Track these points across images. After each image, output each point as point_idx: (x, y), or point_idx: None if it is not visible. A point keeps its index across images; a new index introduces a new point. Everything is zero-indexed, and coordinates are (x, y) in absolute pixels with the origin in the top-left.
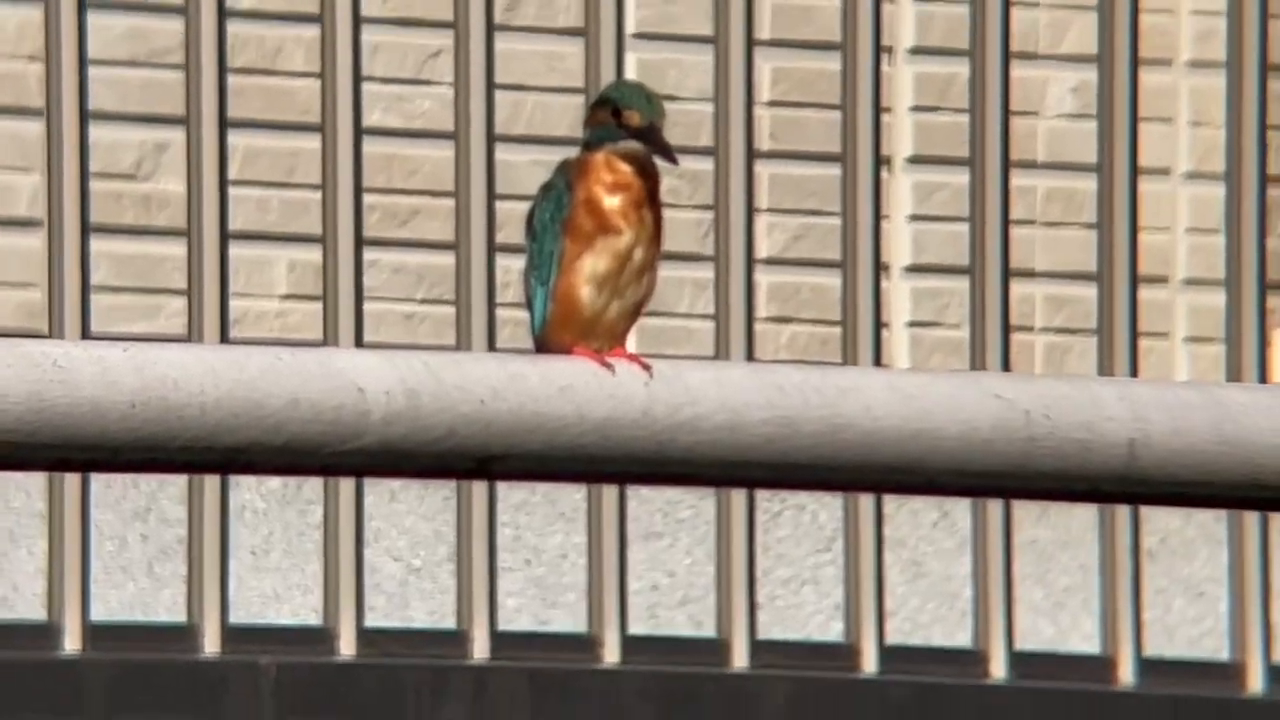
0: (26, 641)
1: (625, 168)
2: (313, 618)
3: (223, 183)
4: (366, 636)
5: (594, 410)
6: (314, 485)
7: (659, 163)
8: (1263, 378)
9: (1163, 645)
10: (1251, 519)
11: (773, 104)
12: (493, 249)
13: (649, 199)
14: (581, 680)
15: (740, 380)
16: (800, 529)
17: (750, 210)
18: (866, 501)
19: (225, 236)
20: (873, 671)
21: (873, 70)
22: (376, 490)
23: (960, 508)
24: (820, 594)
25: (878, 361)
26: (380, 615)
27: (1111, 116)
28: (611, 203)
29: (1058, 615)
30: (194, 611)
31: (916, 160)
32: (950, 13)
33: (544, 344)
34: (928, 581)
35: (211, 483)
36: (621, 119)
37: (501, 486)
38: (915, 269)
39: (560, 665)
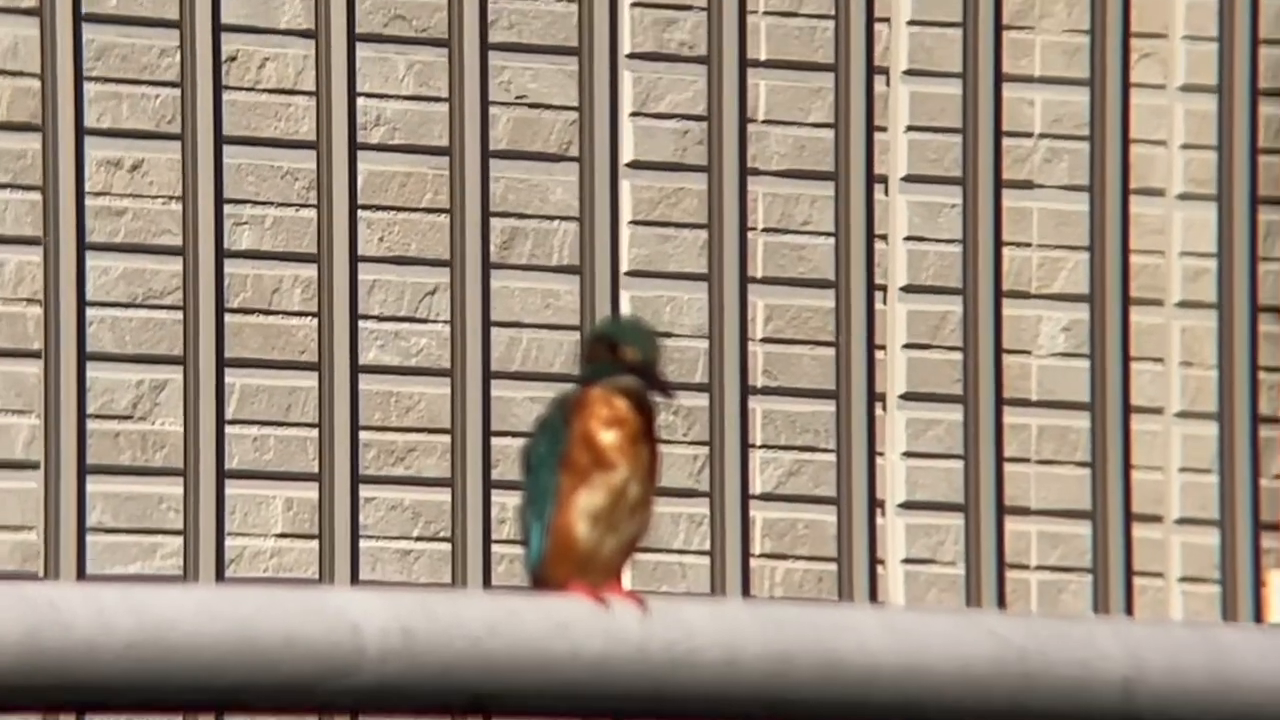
0: None
1: (622, 403)
2: None
3: (219, 421)
4: None
5: (590, 647)
6: None
7: (657, 397)
8: (1258, 618)
9: None
10: None
11: (766, 340)
12: (489, 486)
13: (645, 435)
14: None
15: (737, 616)
16: None
17: (745, 446)
18: None
19: (221, 476)
20: None
21: (865, 309)
22: None
23: None
24: None
25: (874, 598)
26: None
27: (1104, 355)
28: (608, 438)
29: None
30: None
31: (910, 397)
32: (942, 251)
33: (540, 579)
34: None
35: None
36: (618, 354)
37: None
38: (910, 505)
39: None
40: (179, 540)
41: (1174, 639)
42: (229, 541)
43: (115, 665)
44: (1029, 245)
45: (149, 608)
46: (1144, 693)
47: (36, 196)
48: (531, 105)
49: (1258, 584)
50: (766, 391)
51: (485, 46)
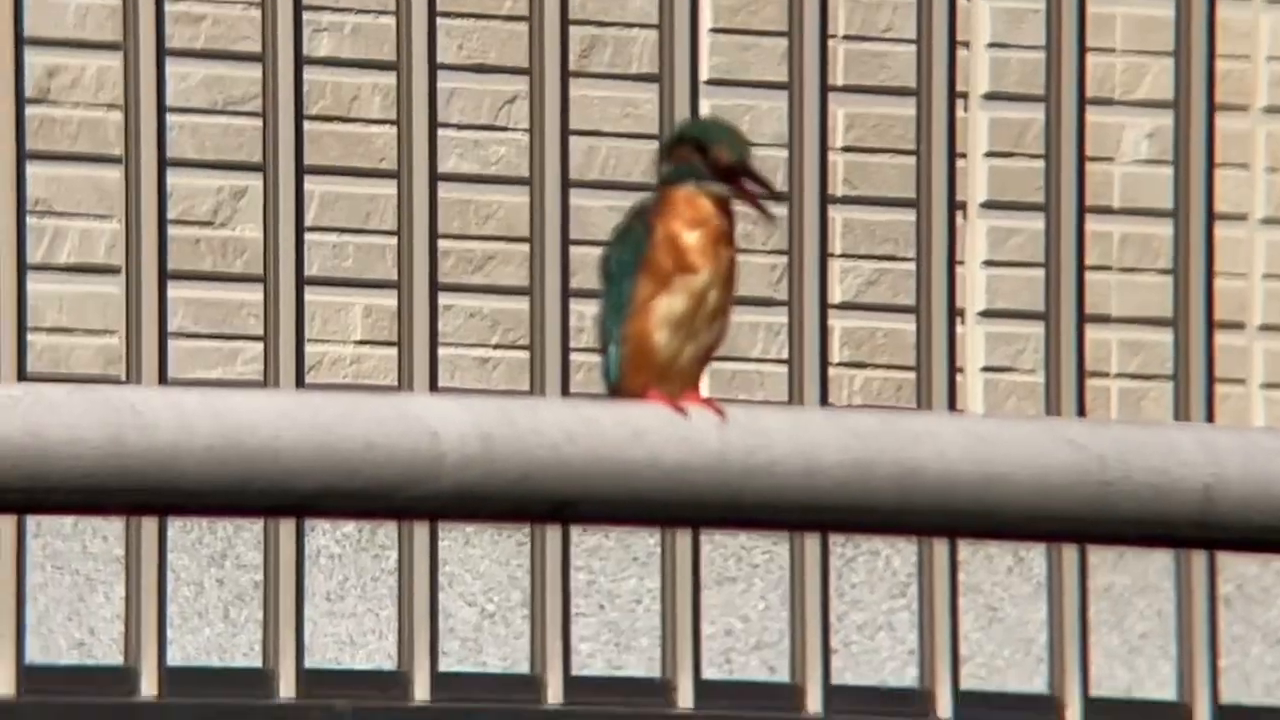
0: (104, 686)
1: (708, 205)
2: (387, 662)
3: (299, 229)
4: (441, 681)
5: (668, 455)
6: (389, 530)
7: (751, 212)
8: None
9: (1240, 692)
10: None
11: (847, 149)
12: (567, 294)
13: (727, 240)
14: None
15: (815, 425)
16: (875, 574)
17: (824, 255)
18: (941, 547)
19: (301, 282)
20: (948, 717)
21: (947, 116)
22: (451, 535)
23: (1035, 553)
24: (895, 640)
25: (952, 407)
26: (454, 660)
27: (1188, 162)
28: (690, 239)
29: (1134, 661)
30: (270, 656)
31: (991, 205)
32: (1025, 58)
33: (618, 388)
34: (1003, 627)
35: (287, 528)
36: (709, 156)
37: (575, 531)
38: (990, 314)
39: (634, 710)
40: (259, 346)
41: (1256, 445)
42: (309, 348)
43: (197, 469)
44: (1112, 51)
45: (230, 412)
46: (1225, 499)
47: (117, 3)
48: None
49: None
50: (846, 200)
51: None
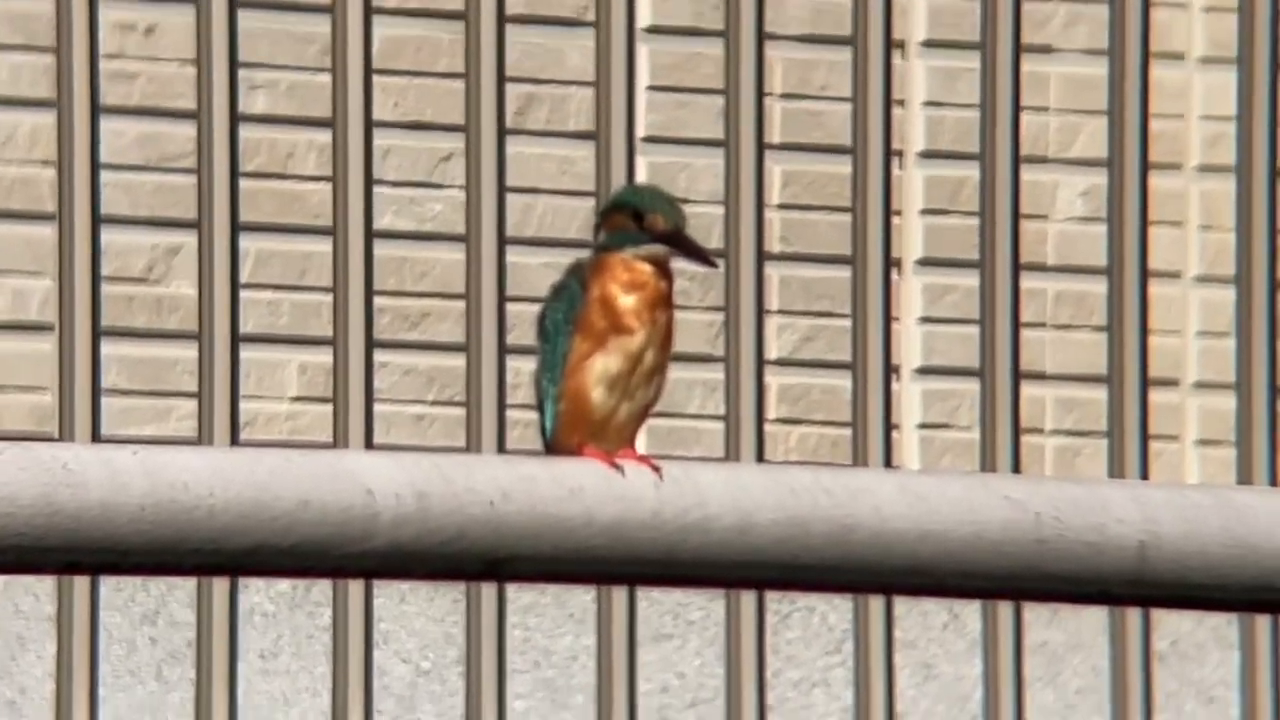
0: None
1: (644, 268)
2: None
3: (234, 285)
4: None
5: (604, 512)
6: (323, 588)
7: (692, 265)
8: (1274, 480)
9: None
10: (1264, 622)
11: (783, 206)
12: (503, 350)
13: (664, 301)
14: None
15: (751, 481)
16: (810, 631)
17: (760, 312)
18: (877, 603)
19: (236, 339)
20: None
21: (883, 173)
22: (386, 592)
23: (971, 610)
24: (830, 696)
25: (888, 463)
26: (389, 718)
27: (1122, 220)
28: (626, 301)
29: (1069, 717)
30: (203, 715)
31: (927, 262)
32: (960, 117)
33: (554, 445)
34: (939, 684)
35: (221, 585)
36: (644, 223)
37: (511, 588)
38: (926, 371)
39: None
40: (193, 403)
41: (1190, 503)
42: (243, 405)
43: (129, 527)
44: (1047, 110)
45: (164, 470)
46: (1159, 557)
47: (51, 59)
48: None
49: (1274, 447)
50: (783, 257)
51: None
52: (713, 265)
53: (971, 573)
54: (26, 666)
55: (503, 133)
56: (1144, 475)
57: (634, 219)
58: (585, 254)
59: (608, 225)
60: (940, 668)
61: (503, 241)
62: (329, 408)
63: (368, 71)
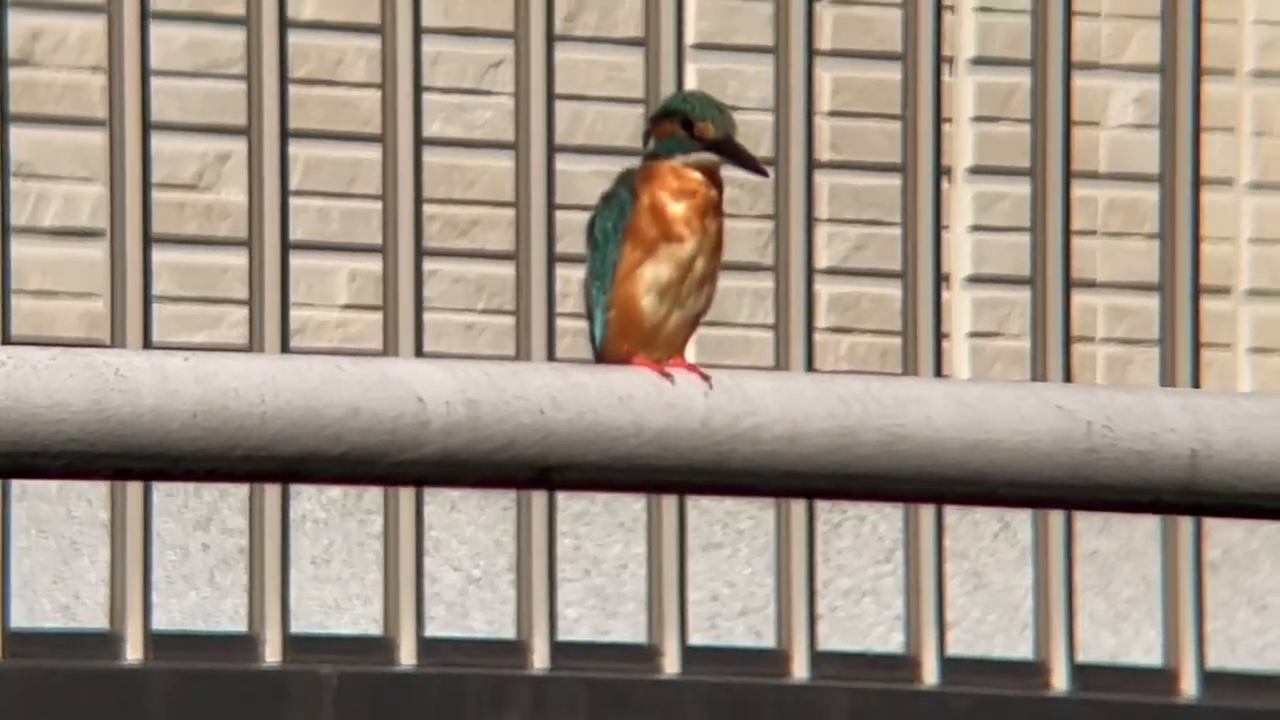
0: (88, 651)
1: (694, 176)
2: (373, 627)
3: (284, 193)
4: (426, 646)
5: (653, 420)
6: (374, 495)
7: (742, 173)
8: None
9: (1225, 657)
10: None
11: (833, 114)
12: (553, 259)
13: (714, 209)
14: (640, 691)
15: (801, 390)
16: (860, 540)
17: (810, 220)
18: (927, 513)
19: (286, 247)
20: (933, 683)
21: (934, 80)
22: (437, 500)
23: (1021, 519)
24: (881, 605)
25: (938, 372)
26: (440, 625)
27: (1174, 127)
28: (676, 209)
29: (1120, 627)
30: (255, 621)
31: (977, 171)
32: (1012, 23)
33: (603, 354)
34: (989, 593)
35: (272, 492)
36: (694, 131)
37: (561, 496)
38: (976, 279)
39: (619, 675)
40: (244, 311)
41: (1242, 411)
42: (294, 313)
43: (181, 434)
44: (1099, 15)
45: (215, 377)
46: (1211, 466)
47: None
48: None
49: None
50: (832, 166)
51: None
52: (763, 173)
53: (1022, 482)
54: (80, 571)
55: (551, 39)
56: (1196, 383)
57: (684, 126)
58: (635, 162)
59: (658, 133)
60: (991, 576)
61: (552, 149)
62: (379, 315)
63: None
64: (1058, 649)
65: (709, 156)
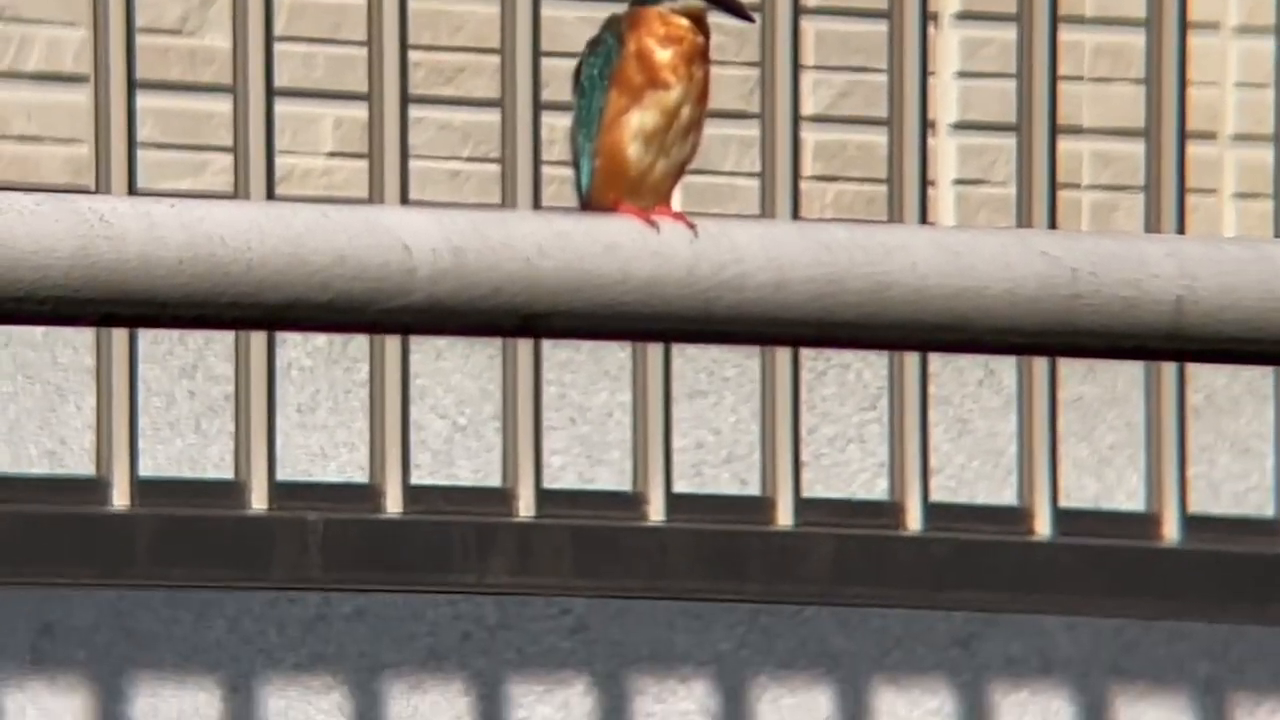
0: (75, 496)
1: (681, 22)
2: (359, 475)
3: (268, 39)
4: (412, 493)
5: (639, 268)
6: (360, 343)
7: (729, 19)
8: None
9: (1208, 502)
10: None
11: None
12: (539, 106)
13: (701, 55)
14: (626, 537)
15: (786, 238)
16: (845, 387)
17: (796, 68)
18: (911, 360)
19: (271, 93)
20: (917, 529)
21: None
22: (422, 348)
23: (1005, 365)
24: (865, 452)
25: (924, 219)
26: (426, 473)
27: None
28: (663, 56)
29: (1103, 472)
30: (241, 468)
31: (964, 16)
32: None
33: (589, 202)
34: (973, 439)
35: (258, 340)
36: None
37: (547, 345)
38: (962, 126)
39: (605, 522)
40: (229, 157)
41: (1228, 256)
42: (278, 159)
43: (166, 280)
44: None
45: (200, 223)
46: (1196, 311)
47: None
48: None
49: None
50: (818, 11)
51: None
52: (749, 19)
53: (1007, 328)
54: (66, 418)
55: None
56: (1181, 229)
57: None
58: (622, 8)
59: None
60: (975, 423)
61: None
62: (364, 163)
63: None
64: (1041, 495)
65: (696, 2)
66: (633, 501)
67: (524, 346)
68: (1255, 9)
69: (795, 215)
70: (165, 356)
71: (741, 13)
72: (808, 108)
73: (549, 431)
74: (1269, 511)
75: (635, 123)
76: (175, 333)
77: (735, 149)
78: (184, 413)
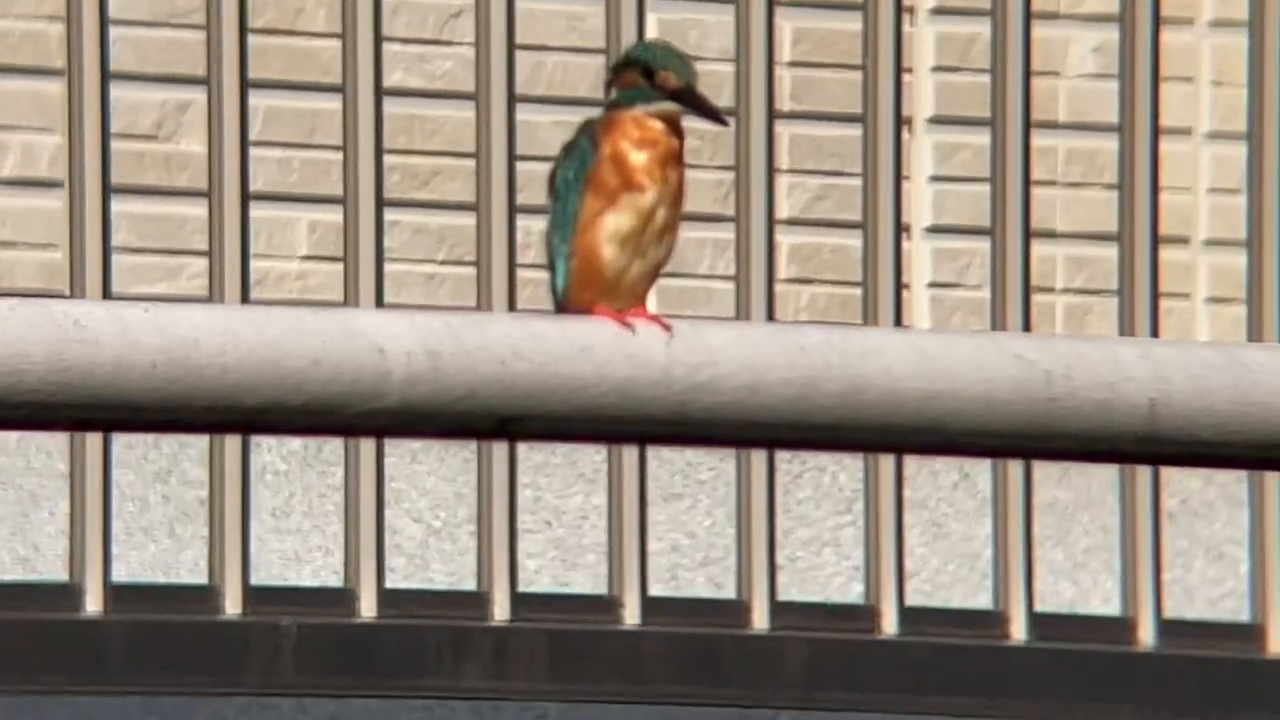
0: (48, 602)
1: (655, 125)
2: (333, 579)
3: (244, 143)
4: (387, 597)
5: (614, 370)
6: (335, 447)
7: (703, 123)
8: None
9: (1183, 606)
10: (1272, 480)
11: (794, 64)
12: (514, 210)
13: (675, 159)
14: (601, 641)
15: (761, 340)
16: (821, 490)
17: (771, 171)
18: (887, 463)
19: (246, 197)
20: (893, 633)
21: (894, 30)
22: (397, 452)
23: (981, 469)
24: (840, 555)
25: (899, 322)
26: (401, 576)
27: (1133, 76)
28: (638, 159)
29: (1078, 576)
30: (215, 572)
31: (937, 120)
32: None
33: (565, 304)
34: (948, 543)
35: (233, 444)
36: (655, 80)
37: (522, 448)
38: (936, 229)
39: (580, 626)
40: (204, 261)
41: (1200, 360)
42: (254, 263)
43: (141, 384)
44: None
45: (175, 327)
46: (1170, 415)
47: None
48: None
49: None
50: (793, 116)
51: None
52: (723, 123)
53: (981, 431)
54: (39, 523)
55: None
56: (1154, 333)
57: (645, 76)
58: (596, 112)
59: (619, 82)
60: (950, 527)
61: (512, 99)
62: (339, 266)
63: None
64: (1016, 599)
65: (670, 106)
66: (608, 605)
67: (499, 449)
68: (1227, 115)
69: (770, 317)
70: (139, 461)
71: (715, 116)
72: (782, 211)
73: (524, 535)
74: (1244, 616)
75: (610, 225)
76: (150, 437)
77: (710, 251)
78: (158, 518)
